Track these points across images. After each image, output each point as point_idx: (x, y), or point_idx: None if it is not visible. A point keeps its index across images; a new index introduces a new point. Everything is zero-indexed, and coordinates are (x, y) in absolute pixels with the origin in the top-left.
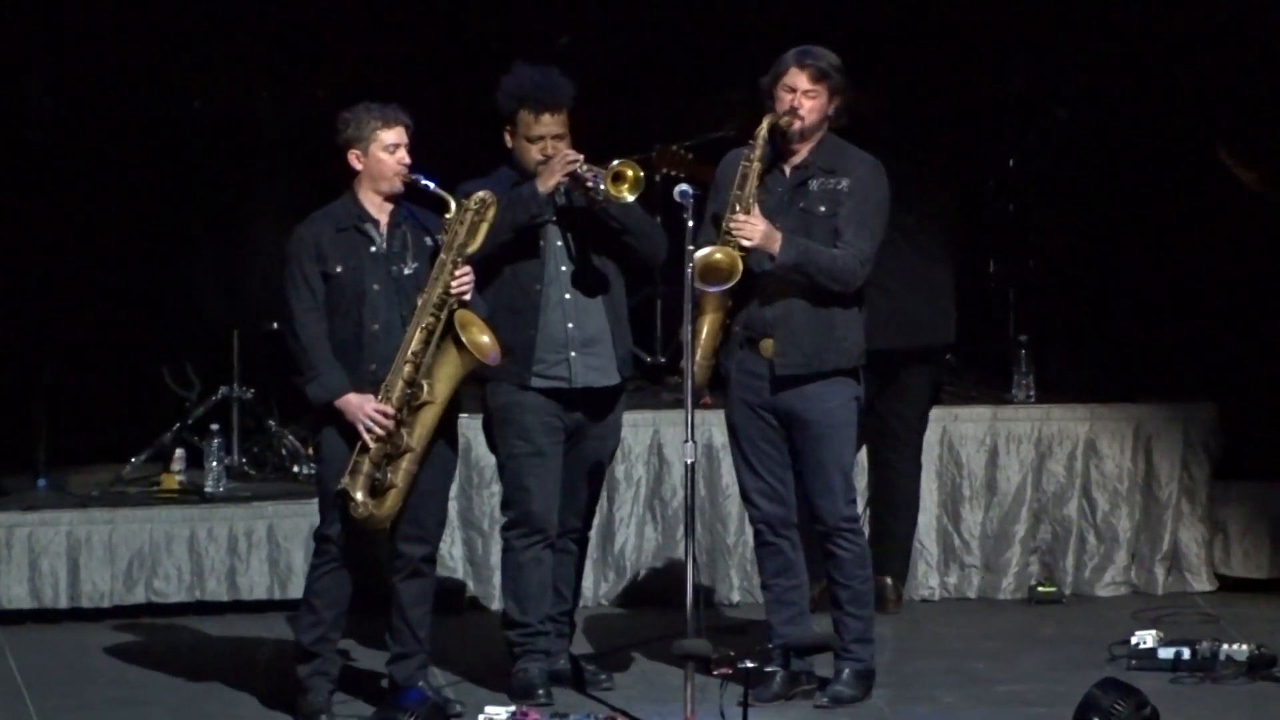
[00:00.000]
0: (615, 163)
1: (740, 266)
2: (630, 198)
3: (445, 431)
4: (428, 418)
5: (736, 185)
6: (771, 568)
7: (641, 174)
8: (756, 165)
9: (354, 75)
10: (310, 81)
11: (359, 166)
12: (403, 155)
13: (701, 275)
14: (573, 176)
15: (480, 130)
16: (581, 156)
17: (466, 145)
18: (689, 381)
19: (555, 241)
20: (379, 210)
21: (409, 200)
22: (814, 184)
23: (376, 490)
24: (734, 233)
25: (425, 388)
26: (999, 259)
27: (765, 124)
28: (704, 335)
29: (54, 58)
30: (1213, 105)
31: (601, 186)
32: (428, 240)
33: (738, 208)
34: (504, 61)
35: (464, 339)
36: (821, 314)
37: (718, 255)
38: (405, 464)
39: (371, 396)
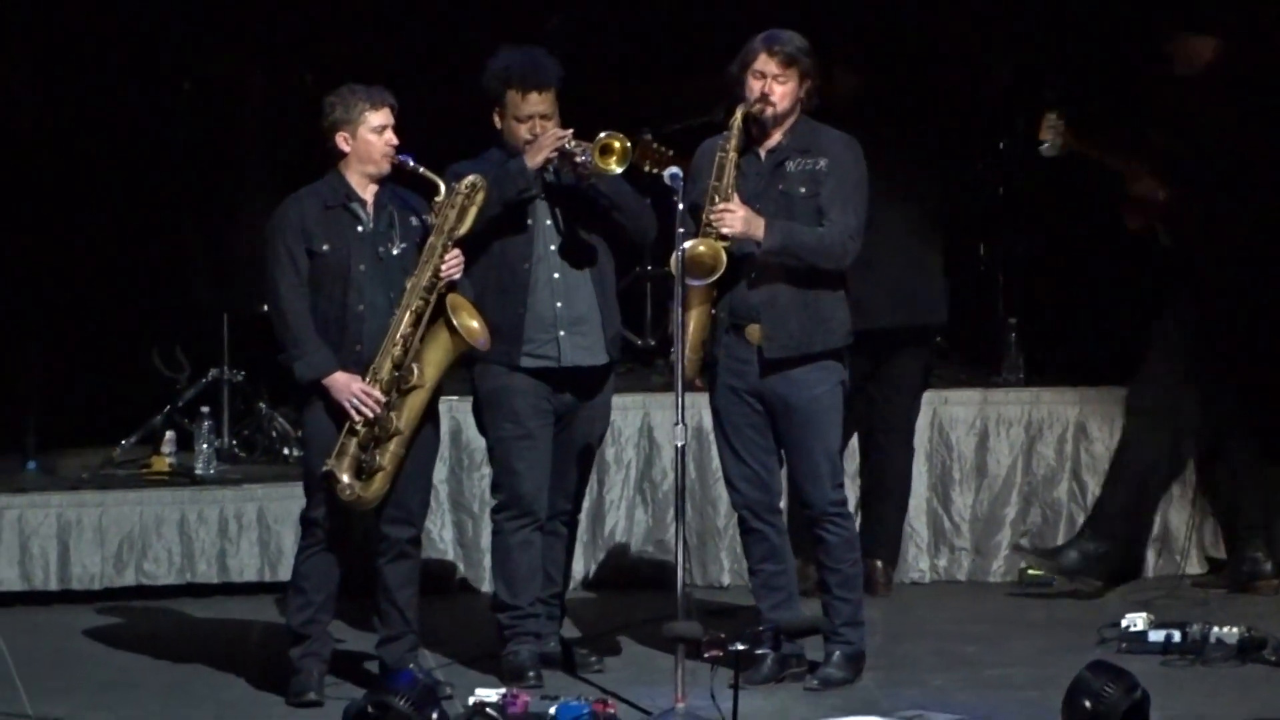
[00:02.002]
0: (602, 135)
1: (724, 259)
2: (618, 169)
3: (427, 413)
4: (416, 401)
5: (714, 176)
6: (758, 553)
7: (629, 144)
8: (733, 155)
9: (342, 59)
10: (299, 65)
11: (347, 149)
12: (390, 136)
13: (686, 269)
14: (561, 152)
15: (469, 112)
16: (570, 132)
17: (456, 128)
18: (679, 364)
19: (544, 220)
20: (365, 190)
21: (393, 181)
22: (791, 165)
23: (363, 473)
24: (715, 223)
25: (415, 371)
26: (988, 241)
27: (739, 114)
28: (691, 329)
29: (41, 42)
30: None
31: (590, 159)
32: (413, 221)
33: (717, 198)
34: (492, 44)
35: (455, 323)
36: (808, 296)
37: (701, 248)
38: (393, 447)
39: (359, 377)
